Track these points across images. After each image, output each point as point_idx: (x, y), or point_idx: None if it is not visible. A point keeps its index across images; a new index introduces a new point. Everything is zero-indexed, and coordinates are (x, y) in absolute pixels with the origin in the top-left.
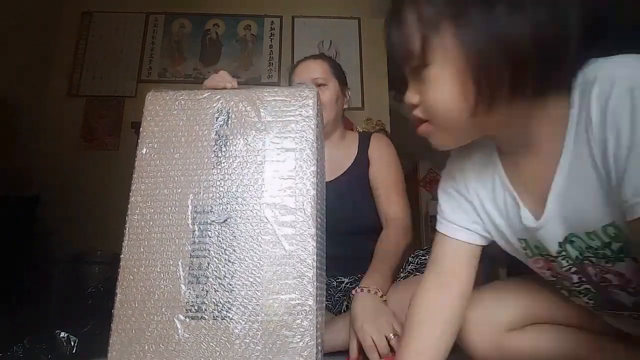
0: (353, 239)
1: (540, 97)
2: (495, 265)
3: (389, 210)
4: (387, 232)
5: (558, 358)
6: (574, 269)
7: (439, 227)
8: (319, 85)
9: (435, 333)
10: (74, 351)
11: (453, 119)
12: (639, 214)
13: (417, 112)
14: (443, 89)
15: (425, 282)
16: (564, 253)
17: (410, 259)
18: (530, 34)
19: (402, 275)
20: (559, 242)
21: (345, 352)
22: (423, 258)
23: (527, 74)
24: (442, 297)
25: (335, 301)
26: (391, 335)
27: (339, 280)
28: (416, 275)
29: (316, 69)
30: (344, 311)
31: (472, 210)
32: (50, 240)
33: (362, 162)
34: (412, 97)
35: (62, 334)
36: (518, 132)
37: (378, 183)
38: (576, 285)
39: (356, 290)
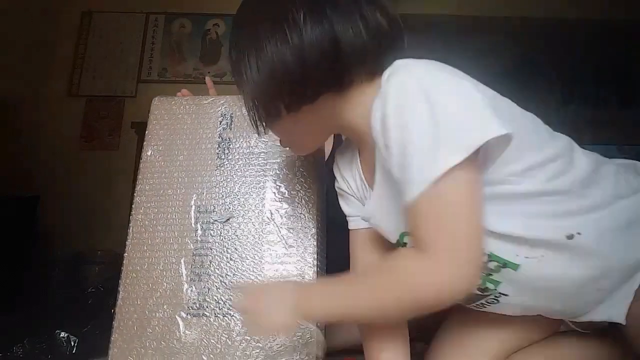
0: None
1: (331, 100)
2: None
3: None
4: None
5: None
6: None
7: (349, 227)
8: None
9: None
10: (74, 351)
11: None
12: (411, 197)
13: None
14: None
15: None
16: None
17: None
18: (291, 59)
19: None
20: (393, 244)
21: (346, 352)
22: None
23: (295, 89)
24: None
25: None
26: None
27: None
28: None
29: None
30: None
31: (357, 200)
32: (50, 240)
33: None
34: None
35: (62, 334)
36: (345, 129)
37: None
38: None
39: None
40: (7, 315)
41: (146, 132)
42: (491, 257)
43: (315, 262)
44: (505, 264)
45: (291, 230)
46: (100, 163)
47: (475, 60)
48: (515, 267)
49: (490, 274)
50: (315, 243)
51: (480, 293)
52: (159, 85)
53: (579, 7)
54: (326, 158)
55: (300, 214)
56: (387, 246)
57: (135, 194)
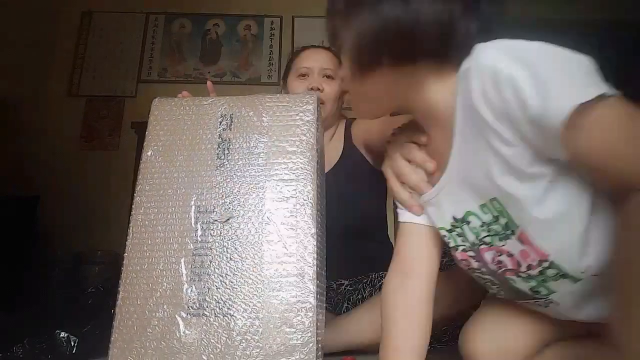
0: (352, 241)
1: (426, 70)
2: None
3: None
4: None
5: None
6: (471, 253)
7: (399, 218)
8: (327, 76)
9: (411, 325)
10: (74, 351)
11: (349, 87)
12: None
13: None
14: (344, 66)
15: (390, 276)
16: (459, 231)
17: None
18: (402, 23)
19: None
20: (457, 219)
21: (346, 352)
22: None
23: (395, 49)
24: (408, 288)
25: (335, 304)
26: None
27: (339, 282)
28: None
29: (327, 60)
30: (344, 312)
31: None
32: (50, 240)
33: (349, 154)
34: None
35: (62, 334)
36: (419, 104)
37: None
38: (479, 273)
39: None
40: (7, 315)
41: (146, 132)
42: (552, 265)
43: (315, 261)
44: (565, 275)
45: (291, 230)
46: (100, 163)
47: None
48: (575, 280)
49: (545, 281)
50: (314, 243)
51: (531, 294)
52: (159, 85)
53: (579, 7)
54: (328, 169)
55: (300, 213)
56: (434, 237)
57: (135, 194)
